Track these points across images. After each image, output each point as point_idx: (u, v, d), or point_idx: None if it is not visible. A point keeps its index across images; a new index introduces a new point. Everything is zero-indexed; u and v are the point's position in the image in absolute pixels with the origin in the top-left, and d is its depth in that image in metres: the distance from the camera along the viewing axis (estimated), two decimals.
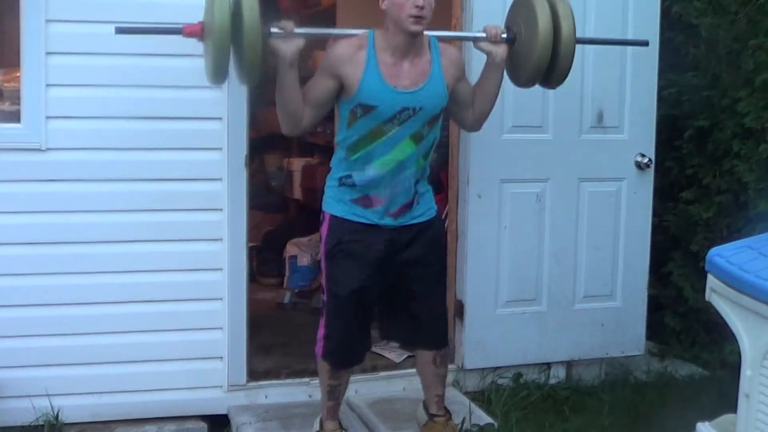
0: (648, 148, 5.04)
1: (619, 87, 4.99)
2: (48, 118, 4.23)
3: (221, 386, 4.57)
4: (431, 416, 4.16)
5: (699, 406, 4.36)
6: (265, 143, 8.12)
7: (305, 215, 7.32)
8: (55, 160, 4.27)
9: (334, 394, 4.08)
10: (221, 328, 4.53)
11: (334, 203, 3.94)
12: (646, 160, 5.01)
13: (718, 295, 3.32)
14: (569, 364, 5.13)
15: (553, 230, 4.96)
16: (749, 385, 3.15)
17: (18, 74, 4.27)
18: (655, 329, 5.49)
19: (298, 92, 3.71)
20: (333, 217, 3.94)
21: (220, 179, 4.42)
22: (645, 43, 4.57)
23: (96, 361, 4.41)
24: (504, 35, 3.94)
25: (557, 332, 5.01)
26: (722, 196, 5.27)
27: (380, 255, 3.91)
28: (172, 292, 4.46)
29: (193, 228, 4.45)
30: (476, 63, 4.27)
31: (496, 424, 4.41)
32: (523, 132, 4.85)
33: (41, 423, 4.32)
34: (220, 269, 4.49)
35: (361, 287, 3.87)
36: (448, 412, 4.19)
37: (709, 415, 3.44)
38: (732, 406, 3.26)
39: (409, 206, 3.94)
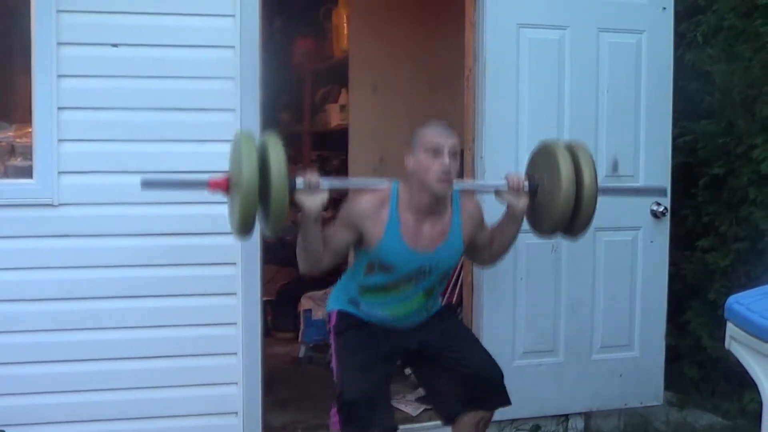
0: (663, 196, 4.99)
1: (633, 136, 4.97)
2: (60, 173, 4.24)
3: None
4: None
5: None
6: None
7: None
8: (67, 215, 4.27)
9: None
10: (236, 383, 4.50)
11: (340, 303, 4.00)
12: (661, 209, 4.98)
13: (738, 343, 3.27)
14: (588, 416, 5.07)
15: (569, 281, 4.93)
16: None
17: (30, 130, 4.28)
18: (673, 379, 5.44)
19: (321, 241, 3.67)
20: (340, 311, 3.98)
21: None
22: (663, 191, 4.65)
23: (108, 418, 4.38)
24: (526, 184, 3.87)
25: (575, 383, 4.96)
26: (739, 244, 5.23)
27: (390, 334, 3.94)
28: (186, 348, 4.43)
29: (206, 282, 4.42)
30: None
31: None
32: None
33: None
34: (235, 324, 4.46)
35: (373, 353, 3.84)
36: None
37: None
38: None
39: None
